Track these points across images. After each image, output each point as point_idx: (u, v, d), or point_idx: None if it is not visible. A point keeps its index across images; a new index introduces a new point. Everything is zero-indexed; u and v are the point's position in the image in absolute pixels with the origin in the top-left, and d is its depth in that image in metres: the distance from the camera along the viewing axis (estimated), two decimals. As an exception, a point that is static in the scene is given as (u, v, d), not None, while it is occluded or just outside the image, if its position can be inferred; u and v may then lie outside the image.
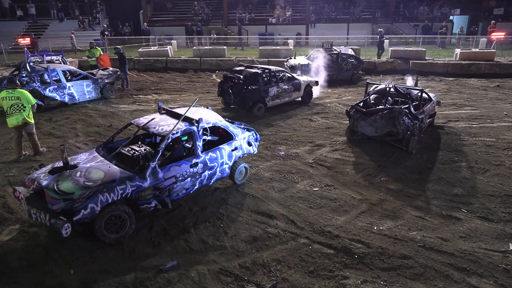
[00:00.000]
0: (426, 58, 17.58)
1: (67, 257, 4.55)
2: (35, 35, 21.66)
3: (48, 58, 13.86)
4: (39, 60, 13.37)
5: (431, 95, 9.37)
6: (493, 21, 21.95)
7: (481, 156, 7.58)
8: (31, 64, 11.47)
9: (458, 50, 17.64)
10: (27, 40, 19.16)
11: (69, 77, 11.81)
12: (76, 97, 11.61)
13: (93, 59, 14.87)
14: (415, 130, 7.63)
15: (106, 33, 22.88)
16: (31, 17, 25.62)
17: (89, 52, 15.15)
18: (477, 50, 18.24)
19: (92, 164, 5.11)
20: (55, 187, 4.52)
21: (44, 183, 4.64)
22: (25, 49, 16.07)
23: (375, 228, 5.22)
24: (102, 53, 15.46)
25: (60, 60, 14.08)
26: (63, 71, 11.58)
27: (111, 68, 13.42)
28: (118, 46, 15.41)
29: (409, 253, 4.67)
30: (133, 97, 12.85)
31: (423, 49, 18.10)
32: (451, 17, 27.31)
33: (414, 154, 7.68)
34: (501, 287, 4.15)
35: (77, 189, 4.51)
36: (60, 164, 4.97)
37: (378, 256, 4.63)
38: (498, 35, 19.14)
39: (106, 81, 12.37)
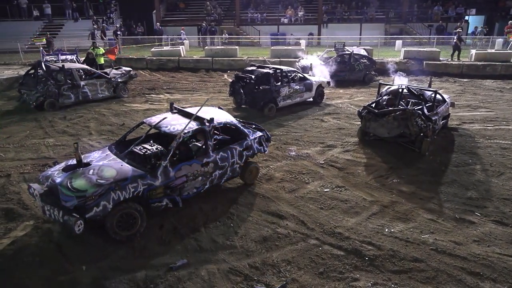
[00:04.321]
0: (441, 58, 17.33)
1: (79, 254, 4.61)
2: (50, 34, 22.01)
3: (63, 57, 14.11)
4: (54, 59, 13.61)
5: (445, 96, 9.23)
6: (510, 21, 21.51)
7: (496, 159, 7.44)
8: (47, 63, 11.67)
9: (473, 51, 17.36)
10: (43, 41, 19.50)
11: (83, 76, 11.98)
12: (90, 96, 11.77)
13: (99, 54, 15.23)
14: (428, 131, 7.53)
15: (119, 33, 23.14)
16: (47, 17, 26.06)
17: (92, 50, 15.37)
18: (493, 50, 17.90)
19: (104, 162, 5.16)
20: (69, 185, 4.58)
21: (58, 180, 4.71)
22: (41, 48, 16.36)
23: (386, 230, 5.17)
24: (104, 51, 15.70)
25: (75, 59, 14.32)
26: (77, 70, 11.74)
27: (124, 68, 13.57)
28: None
29: (421, 256, 4.60)
30: (145, 96, 12.97)
31: (437, 50, 17.85)
32: (466, 17, 26.85)
33: (427, 156, 7.58)
34: (515, 293, 4.07)
35: (90, 187, 4.56)
36: (74, 161, 5.04)
37: (389, 258, 4.58)
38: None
39: (119, 80, 12.50)
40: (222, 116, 6.14)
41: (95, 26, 24.25)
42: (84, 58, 14.68)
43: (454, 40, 17.75)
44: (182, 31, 23.93)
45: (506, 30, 20.84)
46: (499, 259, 4.56)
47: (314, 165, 7.25)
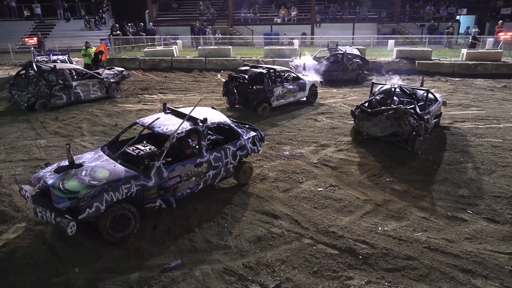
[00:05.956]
0: (432, 58, 17.47)
1: (72, 256, 4.58)
2: (41, 34, 21.81)
3: (55, 57, 13.98)
4: (46, 60, 13.48)
5: (437, 95, 9.30)
6: (500, 21, 21.80)
7: (487, 157, 7.52)
8: (38, 63, 11.55)
9: (464, 50, 17.52)
10: (34, 40, 19.29)
11: (75, 77, 11.88)
12: (82, 96, 11.68)
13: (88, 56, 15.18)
14: (420, 130, 7.59)
15: (118, 32, 23.08)
16: (37, 17, 25.82)
17: (85, 51, 15.25)
18: (484, 50, 18.10)
19: (97, 163, 5.13)
20: (61, 186, 4.54)
21: (50, 181, 4.67)
22: (32, 48, 16.20)
23: (380, 228, 5.20)
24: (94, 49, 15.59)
25: (66, 59, 14.20)
26: (69, 71, 11.64)
27: (117, 68, 13.49)
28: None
29: (413, 254, 4.64)
30: (138, 96, 12.90)
31: (429, 49, 17.99)
32: (457, 17, 27.12)
33: (419, 155, 7.64)
34: (507, 289, 4.13)
35: (83, 188, 4.53)
36: (66, 163, 5.00)
37: (382, 257, 4.61)
38: (505, 35, 19.05)
39: (111, 80, 12.42)
40: (215, 116, 6.13)
41: (130, 24, 24.78)
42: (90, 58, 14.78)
43: (470, 40, 18.33)
44: (208, 29, 24.55)
45: (497, 30, 21.12)
46: (491, 256, 4.62)
47: (307, 165, 7.27)
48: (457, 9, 27.08)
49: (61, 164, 5.09)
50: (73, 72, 11.90)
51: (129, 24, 24.71)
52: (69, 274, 4.28)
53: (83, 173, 4.81)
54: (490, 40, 19.66)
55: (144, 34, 23.90)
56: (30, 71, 10.99)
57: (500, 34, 19.96)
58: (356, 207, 5.78)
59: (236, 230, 5.16)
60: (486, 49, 18.39)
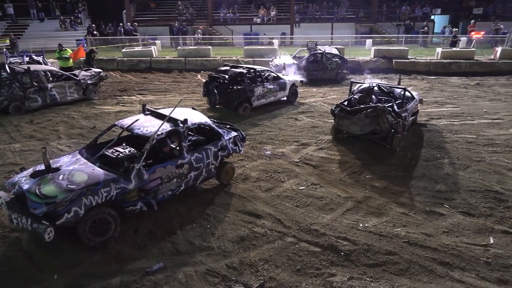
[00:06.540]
0: (409, 57, 17.87)
1: (50, 262, 4.46)
2: (14, 35, 21.13)
3: (27, 58, 13.55)
4: (19, 61, 13.07)
5: (414, 93, 9.52)
6: (472, 21, 22.51)
7: (462, 153, 7.75)
8: (11, 65, 11.18)
9: (439, 49, 18.00)
10: (5, 40, 18.64)
11: (51, 78, 11.56)
12: (58, 99, 11.37)
13: (65, 57, 14.56)
14: (398, 128, 7.75)
15: (96, 32, 22.58)
16: (10, 17, 25.02)
17: (58, 54, 14.59)
18: (457, 49, 18.64)
19: (75, 166, 5.01)
20: (37, 191, 4.42)
21: (26, 186, 4.54)
22: (4, 50, 15.67)
23: (361, 225, 5.28)
24: (71, 51, 15.01)
25: (41, 61, 13.79)
26: (44, 72, 11.32)
27: (94, 69, 13.20)
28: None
29: (394, 249, 4.74)
30: (117, 98, 12.67)
31: (406, 48, 18.40)
32: (432, 17, 27.84)
33: (398, 152, 7.80)
34: (482, 280, 4.26)
35: (60, 193, 4.42)
36: (42, 167, 4.87)
37: (364, 253, 4.68)
38: (477, 34, 19.76)
39: (89, 82, 12.15)
40: (196, 117, 6.09)
41: (133, 24, 24.43)
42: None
43: (451, 39, 19.18)
44: (199, 30, 24.31)
45: (469, 29, 21.80)
46: (467, 249, 4.76)
47: (289, 164, 7.31)
48: (431, 9, 27.80)
49: (37, 169, 4.95)
50: (48, 73, 11.58)
51: (120, 24, 24.27)
52: (47, 281, 4.17)
53: (61, 177, 4.70)
54: (463, 39, 20.28)
55: (138, 34, 23.49)
56: (2, 73, 10.62)
57: (472, 33, 20.66)
58: (337, 204, 5.86)
59: (218, 231, 5.14)
60: (460, 48, 18.96)
